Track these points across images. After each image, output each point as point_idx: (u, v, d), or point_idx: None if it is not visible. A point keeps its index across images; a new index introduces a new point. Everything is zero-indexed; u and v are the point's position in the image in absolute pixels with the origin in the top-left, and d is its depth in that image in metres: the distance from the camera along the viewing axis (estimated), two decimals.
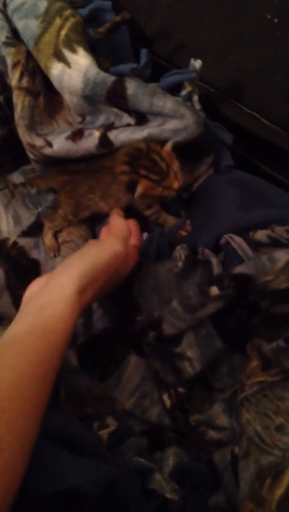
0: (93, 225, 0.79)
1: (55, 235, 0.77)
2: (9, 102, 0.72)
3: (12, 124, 0.72)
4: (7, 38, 0.69)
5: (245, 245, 0.60)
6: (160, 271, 0.66)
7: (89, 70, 0.61)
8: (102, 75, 0.62)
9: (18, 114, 0.68)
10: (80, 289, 0.49)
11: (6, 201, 0.80)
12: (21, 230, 0.78)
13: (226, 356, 0.63)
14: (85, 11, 0.67)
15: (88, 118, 0.70)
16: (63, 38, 0.63)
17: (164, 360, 0.64)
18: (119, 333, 0.68)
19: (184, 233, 0.68)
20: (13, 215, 0.79)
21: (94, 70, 0.61)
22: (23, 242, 0.77)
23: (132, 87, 0.62)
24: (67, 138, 0.68)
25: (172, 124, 0.64)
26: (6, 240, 0.77)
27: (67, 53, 0.62)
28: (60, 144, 0.68)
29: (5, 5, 0.70)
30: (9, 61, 0.68)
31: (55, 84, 0.66)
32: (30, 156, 0.72)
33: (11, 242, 0.77)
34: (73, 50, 0.62)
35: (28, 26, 0.66)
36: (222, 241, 0.63)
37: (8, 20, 0.70)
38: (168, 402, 0.62)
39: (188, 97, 0.66)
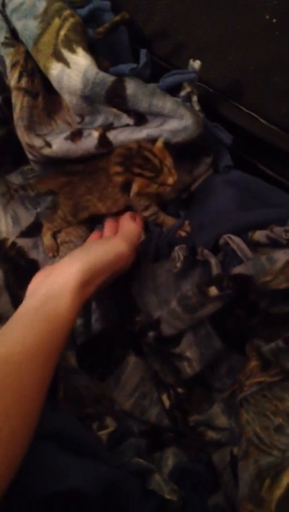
0: (92, 225, 0.79)
1: (54, 236, 0.77)
2: (8, 102, 0.71)
3: (11, 125, 0.71)
4: (6, 38, 0.69)
5: (244, 246, 0.60)
6: (159, 271, 0.66)
7: (88, 70, 0.61)
8: (102, 75, 0.62)
9: (17, 114, 0.68)
10: (82, 282, 0.50)
11: (4, 202, 0.80)
12: (20, 230, 0.78)
13: (225, 356, 0.63)
14: (84, 11, 0.67)
15: (87, 118, 0.70)
16: (62, 38, 0.63)
17: (164, 361, 0.64)
18: (119, 334, 0.69)
19: (182, 234, 0.68)
20: (12, 215, 0.79)
21: (93, 70, 0.61)
22: (22, 242, 0.77)
23: (131, 87, 0.62)
24: (66, 138, 0.68)
25: (171, 125, 0.64)
26: (4, 240, 0.77)
27: (66, 53, 0.62)
28: (59, 144, 0.68)
29: (3, 5, 0.70)
30: (8, 61, 0.68)
31: (54, 84, 0.66)
32: (30, 156, 0.72)
33: (9, 242, 0.77)
34: (72, 50, 0.62)
35: (27, 26, 0.65)
36: (221, 241, 0.63)
37: (7, 21, 0.70)
38: (167, 403, 0.62)
39: (188, 98, 0.66)
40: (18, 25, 0.67)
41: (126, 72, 0.63)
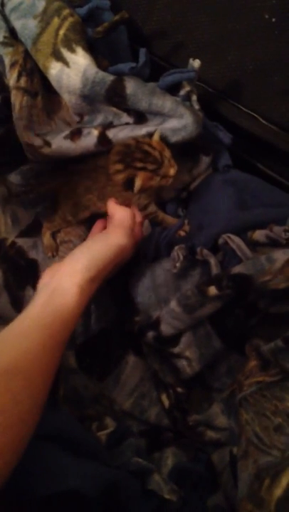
0: (92, 225, 0.78)
1: (54, 235, 0.77)
2: (7, 102, 0.71)
3: (10, 124, 0.71)
4: (5, 37, 0.68)
5: (243, 245, 0.60)
6: (158, 271, 0.66)
7: (88, 69, 0.61)
8: (101, 74, 0.62)
9: (16, 114, 0.68)
10: (88, 278, 0.52)
11: (4, 201, 0.79)
12: (20, 229, 0.78)
13: (224, 356, 0.63)
14: (83, 10, 0.66)
15: (86, 117, 0.70)
16: (62, 37, 0.63)
17: (163, 361, 0.64)
18: (118, 334, 0.68)
19: (182, 233, 0.68)
20: (11, 215, 0.79)
21: (93, 70, 0.61)
22: (22, 242, 0.77)
23: (131, 86, 0.62)
24: (65, 137, 0.67)
25: (171, 124, 0.64)
26: (4, 239, 0.77)
27: (65, 53, 0.62)
28: (58, 143, 0.67)
29: (3, 4, 0.69)
30: (7, 61, 0.67)
31: (54, 83, 0.66)
32: (29, 155, 0.72)
33: (9, 241, 0.76)
34: (72, 50, 0.62)
35: (26, 26, 0.65)
36: (220, 241, 0.63)
37: (6, 20, 0.69)
38: (166, 403, 0.62)
39: (187, 97, 0.66)
40: (18, 24, 0.67)
41: (125, 71, 0.63)
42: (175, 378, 0.63)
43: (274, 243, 0.59)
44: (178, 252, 0.62)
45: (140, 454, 0.53)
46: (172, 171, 0.64)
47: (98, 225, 0.72)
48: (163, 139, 0.65)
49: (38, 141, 0.68)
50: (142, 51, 0.64)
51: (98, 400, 0.62)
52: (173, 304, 0.60)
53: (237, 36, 0.66)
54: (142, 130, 0.65)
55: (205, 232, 0.65)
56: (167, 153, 0.63)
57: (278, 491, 0.41)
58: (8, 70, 0.68)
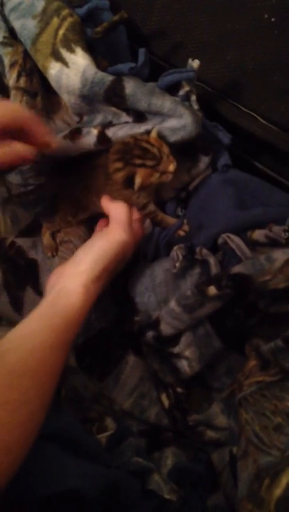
0: (92, 225, 0.78)
1: (53, 235, 0.77)
2: None
3: None
4: (4, 37, 0.68)
5: (243, 245, 0.60)
6: (158, 271, 0.66)
7: (87, 69, 0.61)
8: (100, 74, 0.62)
9: None
10: (93, 278, 0.53)
11: (3, 201, 0.79)
12: (19, 229, 0.78)
13: (224, 356, 0.63)
14: (82, 10, 0.66)
15: (86, 117, 0.70)
16: (61, 37, 0.63)
17: (163, 360, 0.64)
18: (118, 334, 0.68)
19: (181, 233, 0.68)
20: (10, 214, 0.79)
21: (92, 70, 0.61)
22: (21, 242, 0.77)
23: (130, 86, 0.62)
24: (65, 137, 0.68)
25: (170, 123, 0.64)
26: (3, 239, 0.77)
27: (65, 53, 0.62)
28: (57, 143, 0.67)
29: (2, 4, 0.69)
30: (6, 61, 0.67)
31: (53, 84, 0.66)
32: None
33: (9, 241, 0.76)
34: (71, 50, 0.62)
35: (26, 26, 0.65)
36: (220, 241, 0.63)
37: (5, 20, 0.69)
38: (166, 402, 0.62)
39: (187, 97, 0.66)
40: (17, 24, 0.67)
41: (125, 71, 0.63)
42: (175, 378, 0.63)
43: (273, 243, 0.59)
44: (177, 252, 0.62)
45: (140, 454, 0.53)
46: (172, 167, 0.64)
47: (101, 224, 0.72)
48: (162, 138, 0.65)
49: None
50: (141, 51, 0.64)
51: (98, 399, 0.62)
52: (172, 304, 0.60)
53: (236, 36, 0.66)
54: (140, 128, 0.65)
55: (204, 232, 0.65)
56: (166, 149, 0.63)
57: (278, 491, 0.41)
58: (7, 70, 0.68)
